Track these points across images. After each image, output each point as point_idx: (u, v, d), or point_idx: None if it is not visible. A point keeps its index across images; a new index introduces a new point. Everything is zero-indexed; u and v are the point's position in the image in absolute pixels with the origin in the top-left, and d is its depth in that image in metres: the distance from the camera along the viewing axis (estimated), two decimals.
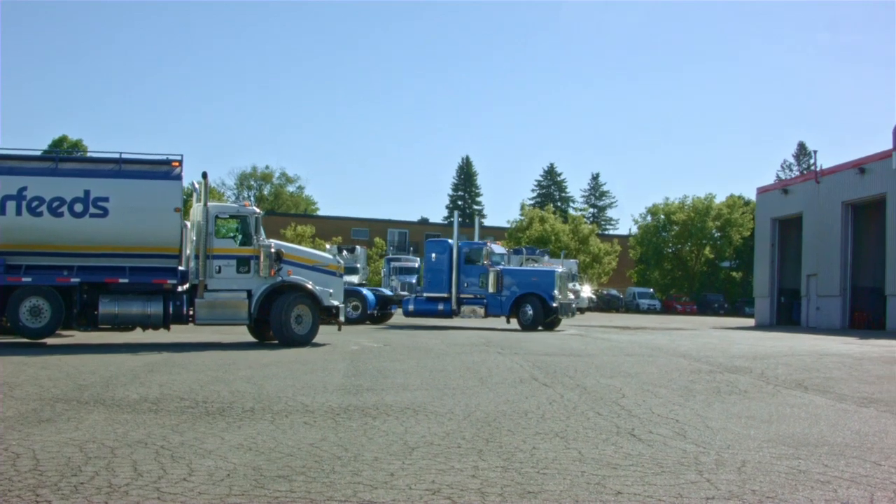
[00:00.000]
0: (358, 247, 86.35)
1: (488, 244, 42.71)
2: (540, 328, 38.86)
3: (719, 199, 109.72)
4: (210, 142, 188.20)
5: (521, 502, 7.29)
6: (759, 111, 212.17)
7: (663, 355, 23.20)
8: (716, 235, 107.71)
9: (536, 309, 38.84)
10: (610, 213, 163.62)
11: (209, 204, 25.39)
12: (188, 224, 25.88)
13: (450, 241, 42.03)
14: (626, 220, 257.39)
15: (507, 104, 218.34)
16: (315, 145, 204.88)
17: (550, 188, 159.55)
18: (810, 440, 10.54)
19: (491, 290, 39.69)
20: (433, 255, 42.30)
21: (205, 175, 25.45)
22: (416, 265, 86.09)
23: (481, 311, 39.90)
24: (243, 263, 25.36)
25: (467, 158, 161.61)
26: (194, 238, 25.43)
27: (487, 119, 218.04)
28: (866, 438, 10.75)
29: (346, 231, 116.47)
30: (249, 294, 25.25)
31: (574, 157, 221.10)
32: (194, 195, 26.95)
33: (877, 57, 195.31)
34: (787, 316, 58.96)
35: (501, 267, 41.19)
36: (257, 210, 26.07)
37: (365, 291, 44.66)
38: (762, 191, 65.25)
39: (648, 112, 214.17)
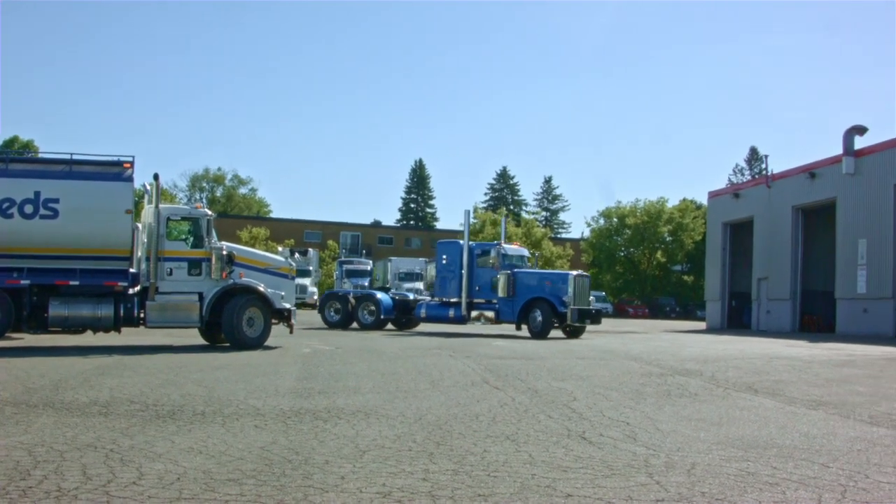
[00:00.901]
0: (310, 249, 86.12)
1: (500, 244, 39.85)
2: (562, 335, 36.86)
3: (672, 203, 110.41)
4: (162, 144, 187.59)
5: None
6: (712, 116, 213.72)
7: (615, 358, 23.30)
8: (668, 239, 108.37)
9: (546, 315, 36.11)
10: (563, 216, 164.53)
11: (161, 206, 25.21)
12: (139, 226, 25.67)
13: (461, 242, 39.89)
14: (578, 223, 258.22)
15: (460, 107, 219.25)
16: (268, 147, 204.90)
17: (503, 191, 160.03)
18: (759, 442, 10.61)
19: (501, 293, 37.35)
20: (444, 257, 40.27)
21: (156, 176, 25.28)
22: (369, 268, 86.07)
23: (492, 315, 37.86)
24: (195, 266, 25.19)
25: (420, 161, 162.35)
26: (145, 240, 25.22)
27: (441, 122, 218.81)
28: (815, 441, 10.82)
29: (299, 233, 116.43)
30: (201, 296, 25.08)
31: (527, 160, 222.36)
32: (146, 197, 26.75)
33: (829, 62, 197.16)
34: (738, 319, 59.37)
35: (516, 270, 38.23)
36: (209, 212, 25.93)
37: (379, 295, 43.01)
38: (714, 195, 65.68)
39: (601, 116, 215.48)
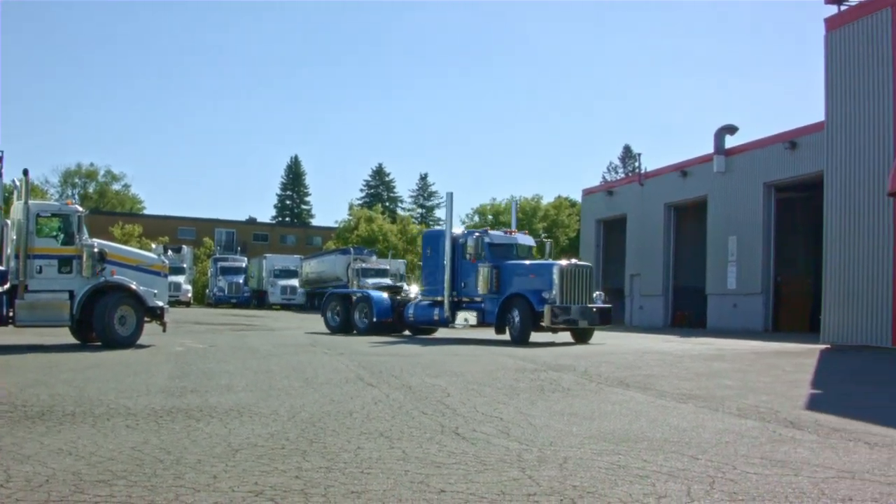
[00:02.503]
0: (184, 246, 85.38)
1: (487, 231, 34.26)
2: (574, 341, 30.28)
3: (547, 199, 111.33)
4: (33, 139, 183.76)
5: (345, 502, 7.26)
6: (587, 114, 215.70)
7: (489, 354, 23.42)
8: (543, 236, 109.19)
9: (524, 315, 29.78)
10: (438, 213, 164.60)
11: (30, 202, 24.75)
12: (8, 223, 25.16)
13: (476, 233, 33.60)
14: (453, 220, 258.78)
15: (335, 104, 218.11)
16: (142, 143, 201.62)
17: (379, 188, 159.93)
18: (630, 436, 10.74)
19: (481, 290, 31.65)
20: (428, 249, 35.36)
21: (26, 172, 24.80)
22: (244, 265, 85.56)
23: (474, 318, 31.97)
24: (65, 263, 24.71)
25: (296, 158, 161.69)
26: (14, 237, 24.75)
27: (316, 119, 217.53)
28: (684, 433, 10.99)
29: (173, 230, 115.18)
30: (72, 295, 24.62)
31: (403, 157, 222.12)
32: (15, 193, 26.24)
33: (700, 63, 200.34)
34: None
35: (504, 262, 32.14)
36: (80, 209, 25.49)
37: (373, 294, 37.24)
38: (588, 192, 66.36)
39: (477, 113, 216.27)
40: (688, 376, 18.41)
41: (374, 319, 35.52)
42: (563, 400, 14.33)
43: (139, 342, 25.05)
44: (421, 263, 40.39)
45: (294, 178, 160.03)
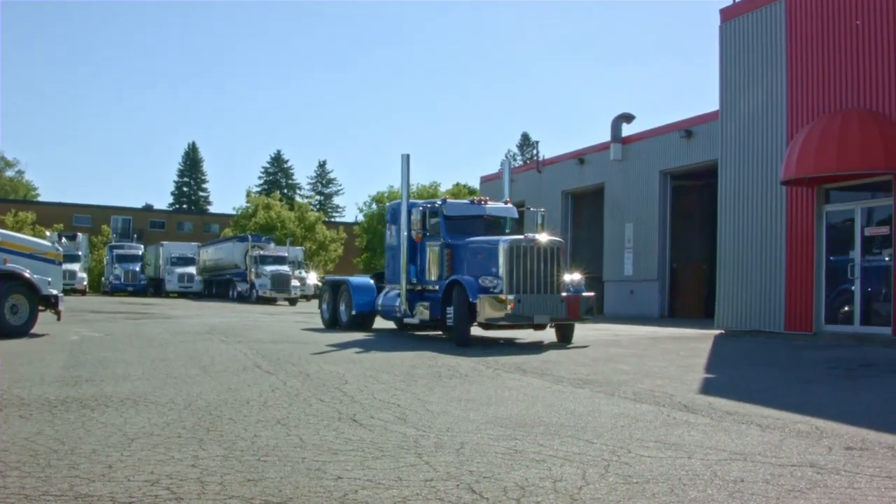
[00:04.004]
0: (79, 234, 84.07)
1: (446, 201, 27.17)
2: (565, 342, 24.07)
3: (445, 187, 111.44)
4: None
5: (241, 490, 7.25)
6: (485, 101, 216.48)
7: (405, 345, 23.44)
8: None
9: (459, 308, 23.02)
10: (336, 200, 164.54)
11: None
12: None
13: (414, 203, 26.96)
14: (352, 207, 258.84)
15: (233, 91, 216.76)
16: (35, 129, 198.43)
17: (277, 175, 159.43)
18: (527, 421, 10.85)
19: (430, 276, 25.89)
20: (390, 228, 28.72)
21: None
22: (140, 252, 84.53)
23: (427, 311, 25.11)
24: None
25: (193, 144, 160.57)
26: None
27: (214, 105, 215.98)
28: (580, 418, 11.11)
29: (68, 218, 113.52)
30: None
31: (301, 144, 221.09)
32: None
33: (598, 51, 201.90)
34: None
35: (460, 242, 25.33)
36: None
37: (352, 281, 30.41)
38: (486, 180, 66.45)
39: (375, 101, 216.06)
40: (584, 362, 18.61)
41: (354, 312, 28.89)
42: (460, 386, 14.41)
43: (34, 331, 24.65)
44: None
45: (191, 165, 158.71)
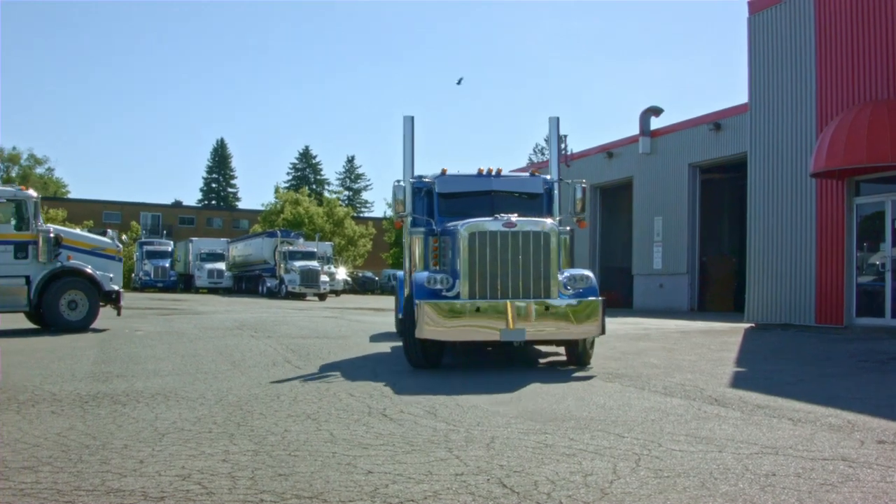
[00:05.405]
0: (109, 230, 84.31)
1: (444, 174, 20.38)
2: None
3: None
4: None
5: (272, 485, 7.25)
6: (514, 95, 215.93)
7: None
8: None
9: (406, 318, 16.66)
10: (365, 195, 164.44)
11: None
12: None
13: (426, 179, 20.60)
14: (380, 203, 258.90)
15: (262, 86, 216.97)
16: (65, 126, 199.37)
17: (306, 171, 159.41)
18: (557, 415, 10.82)
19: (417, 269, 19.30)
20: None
21: None
22: (170, 249, 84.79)
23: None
24: (21, 249, 24.82)
25: (222, 141, 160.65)
26: None
27: (243, 102, 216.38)
28: (611, 412, 11.07)
29: (98, 215, 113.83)
30: (28, 280, 24.77)
31: (329, 139, 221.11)
32: None
33: (626, 45, 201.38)
34: None
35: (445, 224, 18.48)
36: (34, 194, 25.49)
37: (400, 277, 23.46)
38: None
39: (405, 96, 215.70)
40: (615, 355, 18.53)
41: (399, 316, 21.22)
42: (491, 379, 14.38)
43: (94, 326, 24.99)
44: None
45: (220, 162, 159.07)
